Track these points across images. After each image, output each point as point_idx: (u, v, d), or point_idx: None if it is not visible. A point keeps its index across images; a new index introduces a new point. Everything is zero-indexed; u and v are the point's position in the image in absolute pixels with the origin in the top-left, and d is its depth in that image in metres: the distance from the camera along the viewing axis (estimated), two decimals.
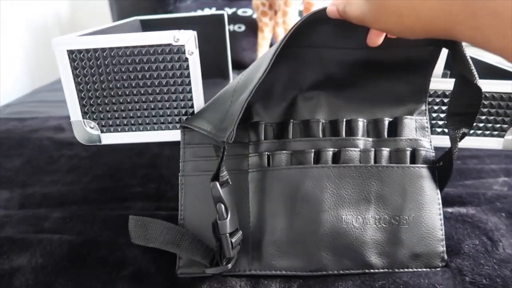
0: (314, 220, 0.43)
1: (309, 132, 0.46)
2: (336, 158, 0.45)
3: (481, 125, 0.53)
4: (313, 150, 0.45)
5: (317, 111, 0.47)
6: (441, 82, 0.51)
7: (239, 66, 1.56)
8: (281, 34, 1.48)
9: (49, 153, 0.75)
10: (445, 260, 0.44)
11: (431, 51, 0.44)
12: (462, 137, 0.42)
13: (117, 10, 1.62)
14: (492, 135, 0.53)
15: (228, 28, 0.83)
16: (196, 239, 0.42)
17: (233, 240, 0.39)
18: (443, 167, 0.45)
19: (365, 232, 0.43)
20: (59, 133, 0.86)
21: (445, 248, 0.43)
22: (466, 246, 0.46)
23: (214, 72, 0.82)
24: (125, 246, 0.48)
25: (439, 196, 0.44)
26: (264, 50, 1.49)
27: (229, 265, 0.40)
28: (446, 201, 0.54)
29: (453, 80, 0.51)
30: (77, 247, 0.47)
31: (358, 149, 0.45)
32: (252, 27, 1.57)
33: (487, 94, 0.51)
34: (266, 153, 0.46)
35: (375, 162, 0.45)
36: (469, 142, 0.54)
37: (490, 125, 0.53)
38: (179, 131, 0.50)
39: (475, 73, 0.39)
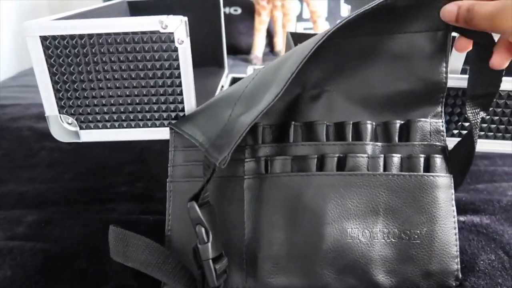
0: (316, 234, 0.38)
1: (312, 136, 0.41)
2: (341, 164, 0.40)
3: (493, 126, 0.48)
4: (316, 156, 0.40)
5: (321, 112, 0.42)
6: (460, 79, 0.46)
7: (235, 51, 1.50)
8: (279, 18, 1.42)
9: (28, 145, 0.70)
10: (460, 279, 0.39)
11: (441, 36, 0.39)
12: (480, 123, 0.39)
13: None
14: (504, 138, 0.49)
15: (223, 11, 0.77)
16: (181, 264, 0.37)
17: (217, 267, 0.35)
18: (461, 157, 0.40)
19: (372, 247, 0.39)
20: (40, 122, 0.81)
21: (459, 266, 0.39)
22: (482, 262, 0.42)
23: (208, 60, 0.76)
24: (106, 256, 0.43)
25: (455, 208, 0.39)
26: (262, 35, 1.43)
27: None
28: (458, 208, 0.50)
29: None
30: (53, 257, 0.43)
31: (366, 155, 0.40)
32: (249, 9, 1.50)
33: (501, 93, 0.46)
34: (264, 158, 0.41)
35: (384, 170, 0.40)
36: (480, 146, 0.49)
37: (502, 126, 0.48)
38: (167, 128, 0.45)
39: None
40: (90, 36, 0.41)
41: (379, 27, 0.38)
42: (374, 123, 0.41)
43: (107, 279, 0.41)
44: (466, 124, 0.48)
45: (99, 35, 0.41)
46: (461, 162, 0.41)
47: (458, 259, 0.39)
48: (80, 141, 0.46)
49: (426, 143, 0.41)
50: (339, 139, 0.41)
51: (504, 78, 0.43)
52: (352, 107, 0.42)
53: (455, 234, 0.39)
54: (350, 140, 0.41)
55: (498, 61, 0.37)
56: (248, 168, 0.41)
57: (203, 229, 0.35)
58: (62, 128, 0.46)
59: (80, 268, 0.42)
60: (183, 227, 0.40)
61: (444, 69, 0.40)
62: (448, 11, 0.37)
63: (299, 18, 1.52)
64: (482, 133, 0.49)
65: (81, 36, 0.41)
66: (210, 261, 0.35)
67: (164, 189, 0.55)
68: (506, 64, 0.37)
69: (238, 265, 0.39)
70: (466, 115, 0.43)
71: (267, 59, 1.47)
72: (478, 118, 0.39)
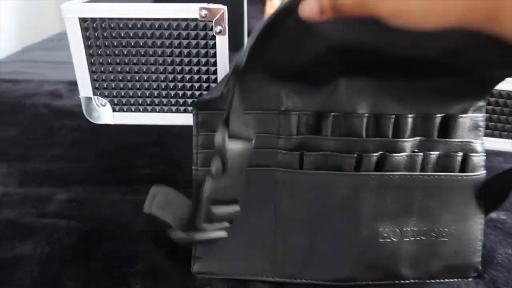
0: (348, 233, 0.39)
1: (350, 129, 0.39)
2: (379, 164, 0.38)
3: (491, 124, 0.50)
4: (354, 155, 0.38)
5: (361, 101, 0.38)
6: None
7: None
8: None
9: (47, 123, 0.70)
10: (479, 271, 0.41)
11: None
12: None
13: None
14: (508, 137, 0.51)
15: None
16: (174, 193, 0.34)
17: (217, 212, 0.32)
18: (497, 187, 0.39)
19: (401, 245, 0.39)
20: (56, 99, 0.81)
21: (480, 259, 0.41)
22: (499, 256, 0.44)
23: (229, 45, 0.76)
24: (136, 237, 0.44)
25: (483, 205, 0.40)
26: None
27: (200, 236, 0.33)
28: None
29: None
30: (85, 236, 0.44)
31: (405, 153, 0.38)
32: None
33: (502, 92, 0.47)
34: (298, 152, 0.38)
35: (421, 169, 0.39)
36: (492, 144, 0.51)
37: (500, 124, 0.50)
38: None
39: None
40: (129, 20, 0.42)
41: None
42: (414, 115, 0.39)
43: (137, 260, 0.42)
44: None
45: (138, 20, 0.42)
46: (499, 190, 0.39)
47: (480, 253, 0.40)
48: (113, 123, 0.47)
49: (464, 140, 0.39)
50: (378, 133, 0.39)
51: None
52: (391, 97, 0.39)
53: (481, 229, 0.40)
54: (390, 135, 0.39)
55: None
56: (281, 160, 0.39)
57: (220, 160, 0.31)
58: (96, 109, 0.46)
59: (111, 248, 0.43)
60: None
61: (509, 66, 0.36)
62: (309, 9, 0.26)
63: None
64: (489, 131, 0.50)
65: (120, 20, 0.42)
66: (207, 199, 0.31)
67: (182, 173, 0.57)
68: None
69: (267, 255, 0.40)
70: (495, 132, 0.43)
71: None
72: None
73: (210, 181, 0.31)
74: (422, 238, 0.39)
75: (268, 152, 0.39)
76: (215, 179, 0.31)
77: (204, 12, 0.41)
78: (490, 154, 0.65)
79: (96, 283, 0.39)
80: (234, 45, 0.80)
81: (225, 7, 0.41)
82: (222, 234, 0.35)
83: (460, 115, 0.39)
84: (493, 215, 0.50)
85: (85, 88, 0.45)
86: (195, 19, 0.41)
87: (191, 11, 0.41)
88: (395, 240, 0.39)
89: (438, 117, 0.39)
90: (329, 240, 0.39)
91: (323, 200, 0.39)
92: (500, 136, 0.51)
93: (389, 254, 0.39)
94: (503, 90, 0.48)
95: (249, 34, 1.48)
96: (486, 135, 0.49)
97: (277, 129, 0.39)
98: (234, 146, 0.31)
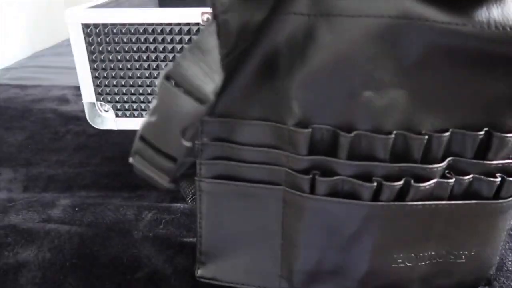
0: (359, 259, 0.35)
1: (371, 151, 0.32)
2: (401, 193, 0.32)
3: None
4: (374, 184, 0.31)
5: (387, 118, 0.31)
6: None
7: None
8: None
9: (53, 128, 0.70)
10: (490, 282, 0.40)
11: None
12: None
13: None
14: None
15: None
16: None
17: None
18: None
19: (415, 269, 0.36)
20: (63, 104, 0.81)
21: (494, 271, 0.39)
22: (510, 263, 0.43)
23: None
24: (139, 243, 0.44)
25: (510, 227, 0.36)
26: None
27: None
28: None
29: None
30: (88, 242, 0.44)
31: (434, 181, 0.31)
32: None
33: None
34: (307, 177, 0.32)
35: (449, 197, 0.33)
36: None
37: None
38: None
39: None
40: (132, 25, 0.42)
41: None
42: (449, 133, 0.31)
43: (141, 266, 0.42)
44: None
45: (141, 25, 0.42)
46: None
47: (495, 266, 0.38)
48: (116, 128, 0.47)
49: (505, 162, 0.32)
50: (404, 154, 0.32)
51: None
52: (422, 110, 0.31)
53: (501, 247, 0.37)
54: (419, 157, 0.32)
55: None
56: (289, 181, 0.33)
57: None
58: (99, 114, 0.46)
59: (114, 254, 0.43)
60: (215, 228, 0.38)
61: None
62: None
63: None
64: None
65: (122, 25, 0.42)
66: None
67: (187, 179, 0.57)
68: None
69: (273, 268, 0.38)
70: None
71: None
72: None
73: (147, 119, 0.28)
74: (439, 260, 0.36)
75: (278, 170, 0.34)
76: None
77: (206, 16, 0.41)
78: None
79: None
80: None
81: None
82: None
83: (506, 135, 0.31)
84: None
85: (88, 94, 0.45)
86: (197, 24, 0.41)
87: (193, 16, 0.41)
88: (409, 264, 0.35)
89: (480, 135, 0.32)
90: (339, 264, 0.36)
91: (334, 226, 0.34)
92: None
93: (402, 277, 0.36)
94: None
95: None
96: None
97: (287, 146, 0.32)
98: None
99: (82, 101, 0.46)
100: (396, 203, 0.32)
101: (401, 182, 0.31)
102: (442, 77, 0.30)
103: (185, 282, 0.40)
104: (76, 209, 0.49)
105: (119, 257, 0.43)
